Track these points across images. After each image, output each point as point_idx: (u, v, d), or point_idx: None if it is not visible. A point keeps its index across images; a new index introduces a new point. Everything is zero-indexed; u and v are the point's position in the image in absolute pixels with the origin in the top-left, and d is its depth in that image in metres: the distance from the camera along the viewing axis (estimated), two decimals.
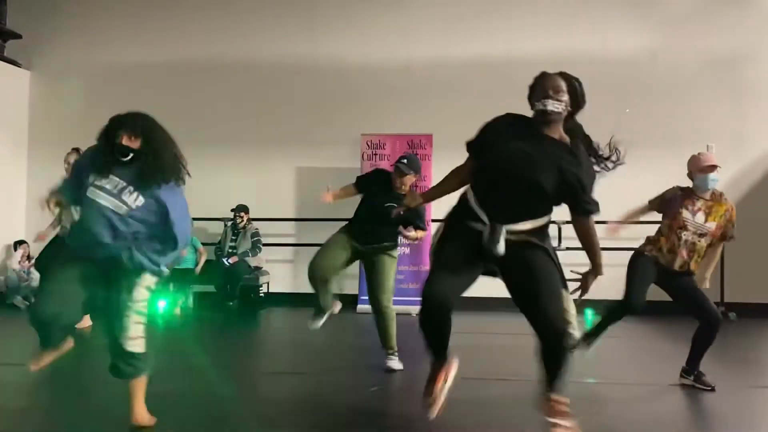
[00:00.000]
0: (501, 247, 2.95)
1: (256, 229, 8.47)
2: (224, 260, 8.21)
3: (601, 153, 3.22)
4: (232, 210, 8.45)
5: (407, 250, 8.01)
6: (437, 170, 7.66)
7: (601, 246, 3.15)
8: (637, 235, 7.80)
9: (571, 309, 3.09)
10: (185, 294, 8.18)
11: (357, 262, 4.96)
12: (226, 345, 6.16)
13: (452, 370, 3.21)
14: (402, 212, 4.23)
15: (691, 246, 4.31)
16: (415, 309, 4.98)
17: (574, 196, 3.02)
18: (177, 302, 8.00)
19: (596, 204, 3.04)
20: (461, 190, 3.27)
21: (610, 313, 4.51)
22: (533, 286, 2.97)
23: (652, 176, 8.22)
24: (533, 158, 2.95)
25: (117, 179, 3.19)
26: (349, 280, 8.05)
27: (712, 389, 4.27)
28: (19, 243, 8.57)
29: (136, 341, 3.23)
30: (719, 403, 4.09)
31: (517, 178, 2.95)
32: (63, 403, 3.54)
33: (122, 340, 3.20)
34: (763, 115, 8.38)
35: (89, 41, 9.40)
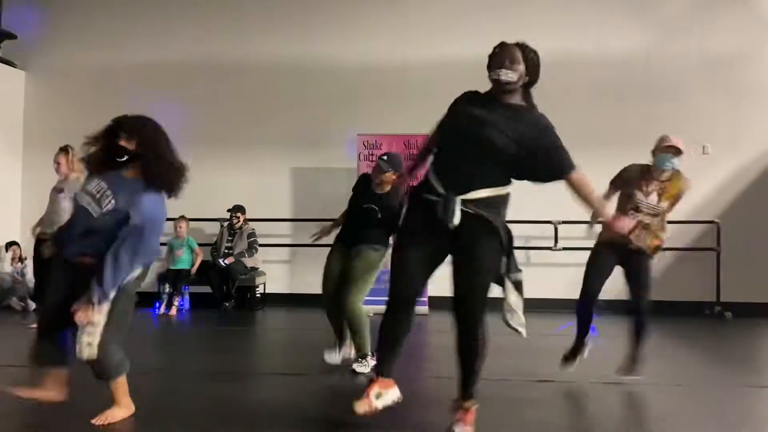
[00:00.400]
0: (456, 218, 2.98)
1: (253, 229, 8.46)
2: (220, 261, 8.19)
3: None
4: (229, 210, 8.43)
5: None
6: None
7: None
8: None
9: (512, 298, 3.18)
10: (181, 295, 8.16)
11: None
12: (223, 346, 6.14)
13: (391, 389, 3.21)
14: (378, 212, 4.29)
15: (645, 226, 4.35)
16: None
17: (549, 159, 3.11)
18: (173, 303, 7.98)
19: (570, 160, 3.14)
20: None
21: (577, 314, 4.56)
22: (461, 274, 3.07)
23: None
24: (485, 119, 3.06)
25: (102, 183, 3.20)
26: None
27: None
28: (9, 244, 8.50)
29: (89, 347, 3.23)
30: (716, 403, 4.10)
31: (470, 137, 3.04)
32: (59, 404, 3.52)
33: (77, 348, 3.25)
34: (758, 116, 8.41)
35: (85, 41, 9.38)
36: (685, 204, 8.28)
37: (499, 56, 3.12)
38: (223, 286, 8.23)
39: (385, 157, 4.75)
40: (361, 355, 4.70)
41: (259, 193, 8.85)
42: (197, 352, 5.67)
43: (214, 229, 8.83)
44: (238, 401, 3.93)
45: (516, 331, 3.17)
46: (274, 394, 4.16)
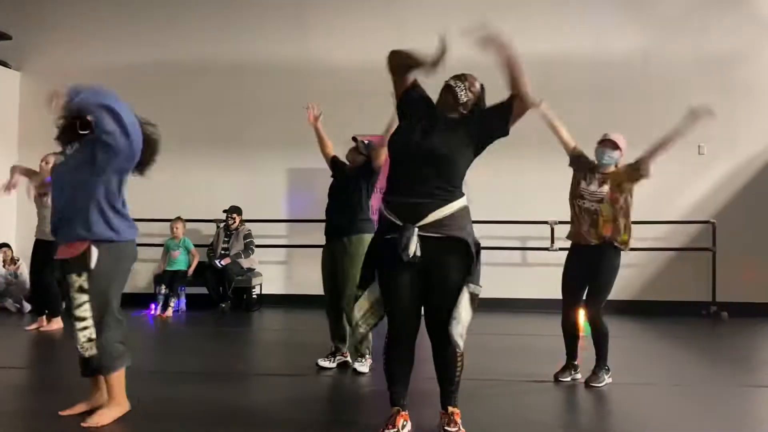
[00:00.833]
0: (411, 250, 2.97)
1: (249, 230, 8.45)
2: (217, 262, 8.18)
3: None
4: (224, 211, 8.43)
5: None
6: None
7: None
8: (649, 235, 7.91)
9: (463, 308, 3.04)
10: (178, 296, 8.14)
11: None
12: (219, 347, 6.13)
13: (407, 422, 3.20)
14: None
15: (593, 213, 4.40)
16: None
17: (494, 118, 3.34)
18: (169, 304, 7.96)
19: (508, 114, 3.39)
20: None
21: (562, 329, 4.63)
22: (440, 299, 3.05)
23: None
24: (433, 133, 3.14)
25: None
26: None
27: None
28: (0, 246, 8.45)
29: (88, 347, 3.26)
30: (712, 403, 4.11)
31: (419, 155, 3.07)
32: (56, 405, 3.51)
33: (77, 345, 3.28)
34: (754, 116, 8.43)
35: (80, 42, 9.36)
36: (681, 204, 8.39)
37: (463, 76, 3.44)
38: (219, 287, 8.22)
39: (366, 141, 4.93)
40: (360, 354, 4.71)
41: (255, 193, 8.84)
42: (194, 354, 5.66)
43: (210, 230, 8.82)
44: (235, 402, 3.92)
45: (453, 342, 3.07)
46: (271, 395, 4.16)
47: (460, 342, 3.05)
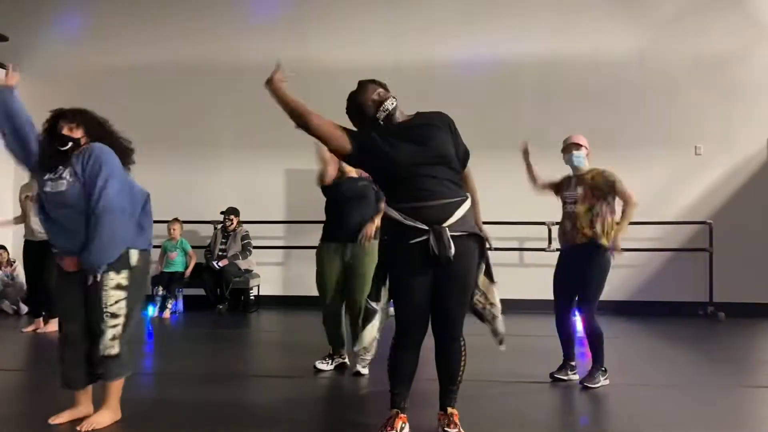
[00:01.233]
0: (453, 248, 2.99)
1: (246, 231, 8.45)
2: (214, 263, 8.18)
3: None
4: (222, 213, 8.42)
5: None
6: None
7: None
8: (646, 236, 7.92)
9: (496, 300, 3.23)
10: (175, 297, 8.13)
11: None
12: (217, 348, 6.13)
13: (405, 424, 3.20)
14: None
15: (572, 215, 4.46)
16: None
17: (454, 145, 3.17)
18: (167, 306, 7.95)
19: (466, 148, 3.25)
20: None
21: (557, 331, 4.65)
22: (446, 292, 3.08)
23: (640, 177, 8.28)
24: (421, 140, 3.08)
25: (59, 166, 3.26)
26: None
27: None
28: None
29: (111, 345, 3.26)
30: (708, 403, 4.11)
31: (425, 163, 3.04)
32: (54, 408, 3.50)
33: (100, 345, 3.25)
34: (751, 116, 8.44)
35: (77, 44, 9.35)
36: (678, 204, 8.40)
37: (368, 98, 3.25)
38: (217, 289, 8.21)
39: None
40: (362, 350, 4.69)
41: (253, 195, 8.84)
42: (191, 355, 5.65)
43: (207, 231, 8.81)
44: (233, 404, 3.92)
45: (500, 335, 3.23)
46: (268, 397, 4.15)
47: (502, 328, 3.22)
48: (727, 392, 4.37)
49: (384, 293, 3.18)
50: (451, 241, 2.98)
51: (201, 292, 8.29)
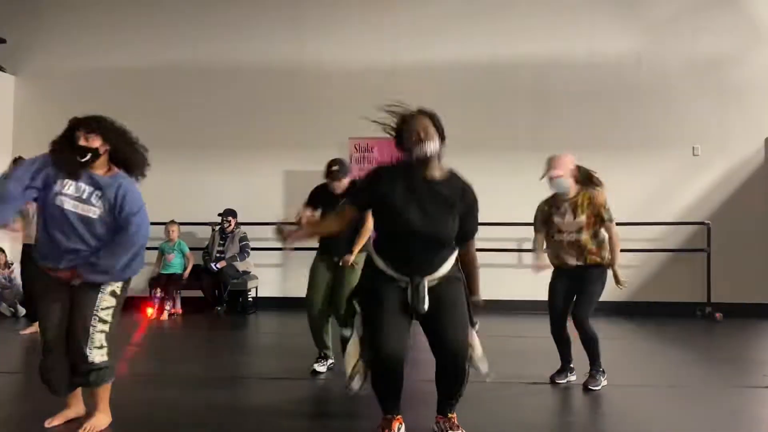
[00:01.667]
0: (426, 303, 3.02)
1: (244, 233, 8.44)
2: (212, 264, 8.17)
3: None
4: (219, 215, 8.41)
5: None
6: None
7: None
8: (644, 236, 7.92)
9: (475, 342, 3.21)
10: (173, 299, 8.13)
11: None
12: (215, 350, 6.12)
13: (401, 425, 3.20)
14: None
15: (576, 243, 4.41)
16: None
17: (464, 222, 3.11)
18: (164, 308, 7.95)
19: (477, 226, 3.19)
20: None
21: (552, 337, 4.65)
22: (445, 316, 3.06)
23: (637, 178, 8.32)
24: (430, 212, 3.02)
25: (83, 185, 3.20)
26: None
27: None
28: None
29: (99, 351, 3.23)
30: (706, 403, 4.12)
31: (416, 230, 3.02)
32: (51, 411, 3.50)
33: (85, 352, 3.20)
34: (747, 117, 8.46)
35: (75, 45, 9.34)
36: (676, 205, 8.41)
37: (413, 130, 3.07)
38: (215, 291, 8.20)
39: (336, 167, 4.89)
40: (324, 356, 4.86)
41: (251, 196, 8.83)
42: (189, 357, 5.64)
43: (205, 233, 8.80)
44: (231, 406, 3.92)
45: (484, 372, 3.25)
46: (266, 399, 4.15)
47: (485, 367, 3.22)
48: (724, 393, 4.38)
49: (356, 323, 3.20)
50: (425, 295, 3.01)
51: (199, 293, 8.28)
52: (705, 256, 8.25)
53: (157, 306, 7.98)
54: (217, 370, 5.01)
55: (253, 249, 8.49)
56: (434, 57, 8.72)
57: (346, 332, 3.24)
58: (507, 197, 7.76)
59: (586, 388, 4.33)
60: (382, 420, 3.19)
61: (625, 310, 7.80)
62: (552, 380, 4.50)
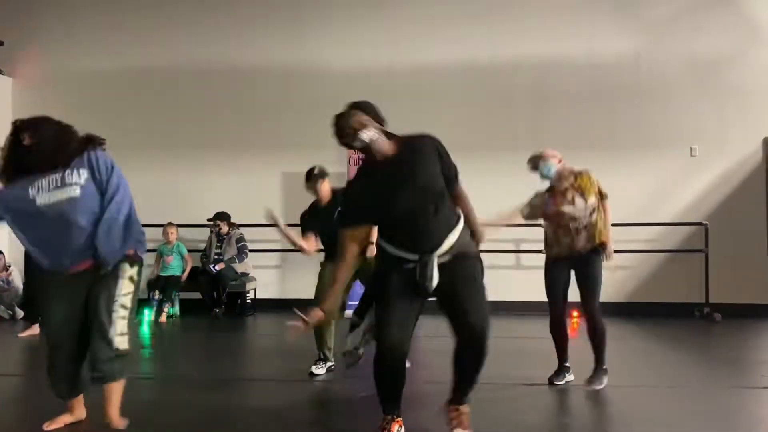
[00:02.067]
0: (435, 281, 3.02)
1: (241, 234, 8.43)
2: (211, 266, 8.17)
3: None
4: (209, 219, 8.37)
5: None
6: None
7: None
8: (642, 237, 7.92)
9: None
10: (172, 301, 8.12)
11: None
12: (213, 352, 6.12)
13: (401, 428, 3.20)
14: None
15: (588, 227, 4.42)
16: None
17: (442, 168, 3.12)
18: (163, 310, 7.93)
19: (454, 164, 3.19)
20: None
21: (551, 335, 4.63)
22: (464, 297, 3.07)
23: (635, 178, 8.32)
24: (407, 183, 3.04)
25: (52, 175, 3.20)
26: None
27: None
28: None
29: (121, 338, 3.21)
30: (704, 404, 4.12)
31: (414, 207, 3.03)
32: (50, 414, 3.49)
33: (110, 337, 3.17)
34: (745, 118, 8.46)
35: (72, 48, 9.34)
36: (674, 206, 8.42)
37: (347, 126, 3.09)
38: (213, 293, 8.20)
39: (314, 169, 5.07)
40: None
41: (249, 197, 8.82)
42: (187, 359, 5.64)
43: (203, 234, 8.78)
44: (229, 408, 3.91)
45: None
46: (264, 401, 4.15)
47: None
48: (723, 393, 4.38)
49: (368, 317, 3.20)
50: (434, 271, 3.02)
51: (197, 295, 8.27)
52: (703, 257, 8.26)
53: (155, 308, 7.97)
54: (216, 373, 5.01)
55: (252, 251, 8.49)
56: (433, 58, 8.72)
57: (357, 320, 3.24)
58: (505, 198, 7.71)
59: (588, 385, 4.32)
60: (382, 421, 3.19)
61: (624, 311, 7.80)
62: (551, 382, 4.49)
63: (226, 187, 8.90)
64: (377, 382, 3.18)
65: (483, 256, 3.28)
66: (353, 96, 9.68)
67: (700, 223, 8.35)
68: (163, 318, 7.85)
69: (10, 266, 8.22)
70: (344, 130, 3.09)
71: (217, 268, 8.14)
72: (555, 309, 4.55)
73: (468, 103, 8.44)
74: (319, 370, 4.78)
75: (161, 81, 9.11)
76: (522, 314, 7.73)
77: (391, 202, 3.05)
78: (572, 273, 4.51)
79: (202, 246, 8.60)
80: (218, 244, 8.37)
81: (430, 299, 3.15)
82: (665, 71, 8.57)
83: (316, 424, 3.74)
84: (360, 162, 3.28)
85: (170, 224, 8.33)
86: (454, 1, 8.89)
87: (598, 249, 4.42)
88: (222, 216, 8.35)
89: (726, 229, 8.31)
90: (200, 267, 8.36)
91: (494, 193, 8.45)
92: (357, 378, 4.62)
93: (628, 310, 7.91)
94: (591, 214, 4.41)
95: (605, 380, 4.37)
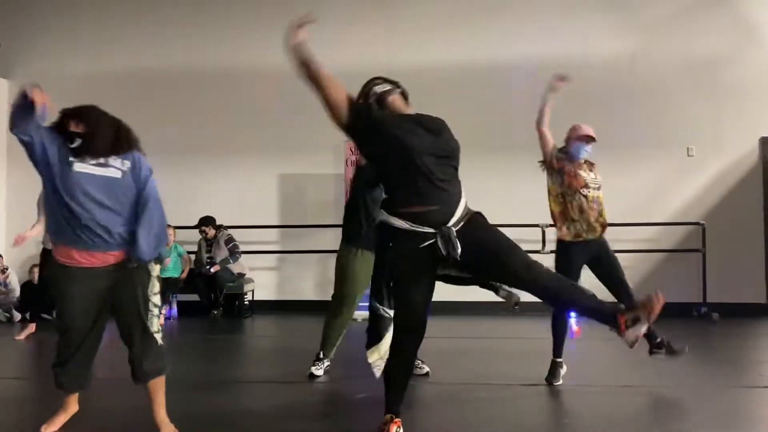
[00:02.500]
0: (459, 248, 2.98)
1: (230, 235, 8.39)
2: (206, 268, 8.17)
3: None
4: (195, 226, 8.37)
5: None
6: None
7: None
8: (639, 237, 7.93)
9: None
10: (169, 303, 8.11)
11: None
12: (211, 354, 6.11)
13: (400, 428, 3.18)
14: None
15: (597, 200, 4.47)
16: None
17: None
18: (161, 312, 7.92)
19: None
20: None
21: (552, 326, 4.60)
22: (496, 252, 3.04)
23: (632, 178, 8.33)
24: (429, 133, 3.10)
25: (90, 158, 3.19)
26: None
27: (684, 350, 4.53)
28: None
29: (158, 334, 3.25)
30: (702, 403, 4.12)
31: (431, 157, 3.03)
32: (48, 415, 3.48)
33: (153, 333, 3.22)
34: (741, 117, 8.48)
35: (68, 49, 9.33)
36: (671, 206, 8.43)
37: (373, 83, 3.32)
38: (210, 294, 8.19)
39: None
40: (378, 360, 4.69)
41: (246, 199, 8.83)
42: (185, 361, 5.63)
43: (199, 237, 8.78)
44: (227, 410, 3.91)
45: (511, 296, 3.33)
46: (263, 403, 4.15)
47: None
48: (721, 392, 4.38)
49: (385, 295, 3.18)
50: (457, 240, 2.97)
51: (195, 297, 8.27)
52: (700, 256, 8.27)
53: None
54: (214, 374, 5.00)
55: (249, 252, 8.48)
56: (429, 58, 8.72)
57: (384, 310, 3.22)
58: (503, 198, 7.77)
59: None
60: (381, 423, 3.18)
61: None
62: (549, 382, 4.46)
63: (222, 188, 8.89)
64: (389, 371, 3.18)
65: None
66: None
67: (697, 223, 8.36)
68: (161, 320, 7.82)
69: (7, 269, 8.21)
70: (358, 94, 3.22)
71: (212, 270, 8.13)
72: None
73: (464, 103, 8.43)
74: (319, 371, 4.76)
75: (157, 83, 9.11)
76: (521, 315, 7.73)
77: (409, 138, 3.03)
78: (584, 260, 4.48)
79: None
80: (208, 248, 8.38)
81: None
82: (662, 71, 8.59)
83: (315, 425, 3.73)
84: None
85: (168, 226, 8.30)
86: (452, 2, 8.90)
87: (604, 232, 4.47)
88: (207, 221, 8.35)
89: (723, 228, 8.32)
90: (196, 269, 8.37)
91: (490, 193, 8.49)
92: (355, 379, 4.61)
93: None
94: (599, 189, 4.47)
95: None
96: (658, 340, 4.59)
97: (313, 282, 8.75)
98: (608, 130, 8.55)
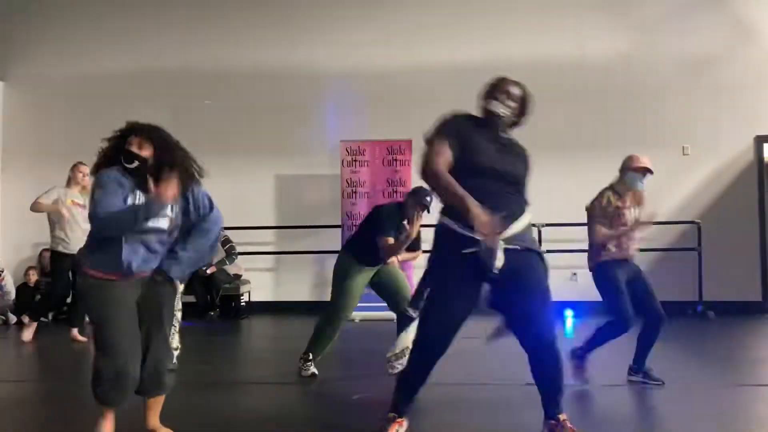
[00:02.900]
0: (500, 260, 2.90)
1: (226, 236, 8.37)
2: (203, 268, 8.16)
3: None
4: None
5: None
6: (418, 176, 7.67)
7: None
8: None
9: None
10: None
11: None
12: (208, 355, 6.10)
13: (401, 428, 3.19)
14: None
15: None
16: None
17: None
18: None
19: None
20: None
21: (606, 332, 4.66)
22: (538, 302, 3.00)
23: None
24: (508, 156, 3.15)
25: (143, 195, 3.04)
26: None
27: (662, 383, 4.44)
28: None
29: (175, 352, 3.18)
30: (698, 401, 4.13)
31: (498, 171, 3.06)
32: (48, 417, 3.48)
33: (172, 349, 3.13)
34: (737, 116, 8.51)
35: (65, 51, 9.31)
36: (667, 205, 8.45)
37: (498, 88, 3.28)
38: (207, 296, 8.18)
39: (428, 198, 4.57)
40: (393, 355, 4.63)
41: (242, 200, 8.81)
42: (182, 362, 5.60)
43: None
44: (224, 411, 3.90)
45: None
46: (260, 404, 4.14)
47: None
48: (716, 390, 4.40)
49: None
50: (500, 254, 2.89)
51: (191, 299, 8.26)
52: (696, 255, 8.29)
53: None
54: (210, 375, 5.00)
55: (246, 253, 8.47)
56: (425, 59, 8.73)
57: (413, 313, 3.23)
58: None
59: (651, 383, 4.45)
60: (386, 420, 3.17)
61: None
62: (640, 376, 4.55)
63: (218, 189, 8.80)
64: (401, 379, 3.18)
65: None
66: (347, 98, 9.78)
67: (692, 222, 8.38)
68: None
69: (2, 271, 8.18)
70: (505, 89, 3.30)
71: (208, 272, 8.12)
72: (629, 315, 4.60)
73: (460, 104, 8.39)
74: (314, 368, 4.76)
75: (153, 85, 9.09)
76: None
77: (489, 154, 3.08)
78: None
79: None
80: None
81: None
82: (656, 70, 8.61)
83: (313, 425, 3.73)
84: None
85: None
86: (447, 3, 8.91)
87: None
88: None
89: (719, 227, 8.35)
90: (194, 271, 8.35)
91: None
92: (353, 379, 4.62)
93: None
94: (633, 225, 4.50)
95: None
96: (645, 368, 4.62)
97: (309, 283, 8.75)
98: (603, 130, 8.62)
